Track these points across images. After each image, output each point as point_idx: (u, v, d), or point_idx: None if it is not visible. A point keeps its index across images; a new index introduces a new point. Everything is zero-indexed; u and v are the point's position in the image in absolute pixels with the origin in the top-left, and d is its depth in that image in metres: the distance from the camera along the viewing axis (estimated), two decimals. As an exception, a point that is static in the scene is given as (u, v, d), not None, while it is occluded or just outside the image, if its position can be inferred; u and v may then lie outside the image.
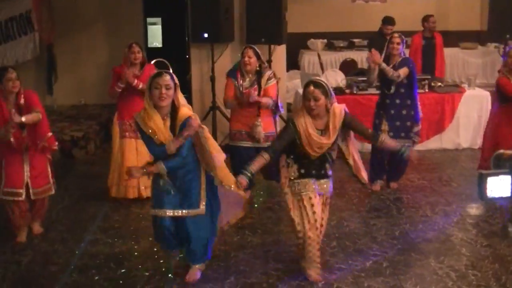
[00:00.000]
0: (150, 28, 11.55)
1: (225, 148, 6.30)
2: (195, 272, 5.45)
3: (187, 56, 10.43)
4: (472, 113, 9.90)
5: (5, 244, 6.30)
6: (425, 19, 10.99)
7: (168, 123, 5.02)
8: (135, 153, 7.25)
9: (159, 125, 4.96)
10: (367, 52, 8.54)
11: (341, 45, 13.39)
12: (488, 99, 9.89)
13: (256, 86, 7.11)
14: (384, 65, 7.44)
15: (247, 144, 7.21)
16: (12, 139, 6.02)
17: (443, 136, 9.90)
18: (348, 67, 11.51)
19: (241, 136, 7.26)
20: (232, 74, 7.26)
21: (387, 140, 5.50)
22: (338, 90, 9.70)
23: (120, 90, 7.19)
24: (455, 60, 13.25)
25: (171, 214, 5.18)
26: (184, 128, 4.90)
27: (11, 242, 6.33)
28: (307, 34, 13.36)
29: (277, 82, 7.28)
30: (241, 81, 7.18)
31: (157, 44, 11.75)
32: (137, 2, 11.99)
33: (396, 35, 7.67)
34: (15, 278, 5.57)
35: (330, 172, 5.40)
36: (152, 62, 9.73)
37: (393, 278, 5.44)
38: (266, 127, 7.17)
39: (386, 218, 6.95)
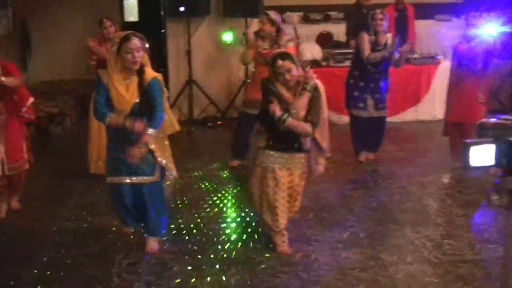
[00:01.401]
0: (126, 2, 11.38)
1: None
2: (154, 243, 5.49)
3: (163, 31, 10.33)
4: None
5: (-18, 221, 6.26)
6: None
7: (135, 80, 5.05)
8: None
9: (122, 92, 5.00)
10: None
11: (317, 18, 13.30)
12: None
13: (275, 48, 7.08)
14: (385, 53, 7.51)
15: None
16: None
17: (419, 108, 9.93)
18: (324, 39, 11.47)
19: (256, 104, 7.21)
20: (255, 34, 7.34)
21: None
22: (315, 63, 9.70)
23: (94, 63, 7.12)
24: (430, 32, 13.21)
25: (129, 181, 5.20)
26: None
27: (-14, 219, 6.29)
28: (283, 7, 13.18)
29: (296, 45, 7.29)
30: (260, 43, 7.24)
31: (132, 18, 11.61)
32: (112, -25, 11.83)
33: (378, 11, 7.63)
34: (-8, 255, 5.54)
35: (306, 147, 5.32)
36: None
37: (370, 248, 5.47)
38: None
39: (363, 189, 6.97)
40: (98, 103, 5.08)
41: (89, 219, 6.27)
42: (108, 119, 5.02)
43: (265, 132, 5.28)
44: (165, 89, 5.23)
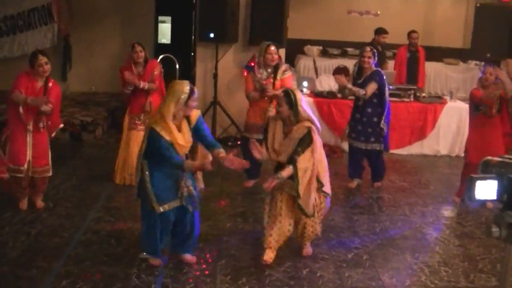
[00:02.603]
0: (160, 25, 11.51)
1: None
2: (193, 256, 5.47)
3: (193, 54, 10.42)
4: (452, 123, 9.88)
5: (15, 215, 6.30)
6: (408, 34, 11.05)
7: (185, 121, 5.09)
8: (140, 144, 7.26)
9: (179, 139, 4.98)
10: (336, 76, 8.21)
11: (335, 52, 13.39)
12: (467, 111, 9.89)
13: (271, 77, 7.14)
14: (349, 86, 7.46)
15: (261, 137, 7.21)
16: (22, 111, 6.17)
17: (424, 143, 9.89)
18: (341, 73, 11.48)
19: (257, 129, 7.24)
20: (249, 68, 7.29)
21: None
22: (331, 94, 9.76)
23: (129, 91, 7.27)
24: (438, 73, 13.28)
25: (177, 204, 5.13)
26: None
27: (21, 214, 6.35)
28: (305, 40, 13.37)
29: (293, 74, 7.28)
30: (259, 74, 7.22)
31: (165, 41, 11.73)
32: (150, 0, 11.94)
33: (367, 48, 7.55)
34: (23, 247, 5.56)
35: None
36: (160, 57, 9.74)
37: (372, 270, 5.47)
38: None
39: (368, 215, 6.96)
40: (172, 158, 4.94)
41: (113, 221, 6.30)
42: (186, 167, 4.97)
43: None
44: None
